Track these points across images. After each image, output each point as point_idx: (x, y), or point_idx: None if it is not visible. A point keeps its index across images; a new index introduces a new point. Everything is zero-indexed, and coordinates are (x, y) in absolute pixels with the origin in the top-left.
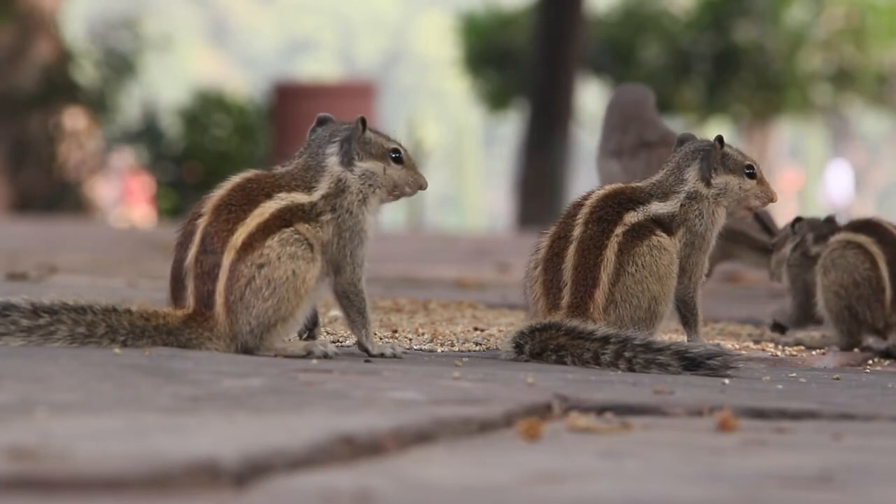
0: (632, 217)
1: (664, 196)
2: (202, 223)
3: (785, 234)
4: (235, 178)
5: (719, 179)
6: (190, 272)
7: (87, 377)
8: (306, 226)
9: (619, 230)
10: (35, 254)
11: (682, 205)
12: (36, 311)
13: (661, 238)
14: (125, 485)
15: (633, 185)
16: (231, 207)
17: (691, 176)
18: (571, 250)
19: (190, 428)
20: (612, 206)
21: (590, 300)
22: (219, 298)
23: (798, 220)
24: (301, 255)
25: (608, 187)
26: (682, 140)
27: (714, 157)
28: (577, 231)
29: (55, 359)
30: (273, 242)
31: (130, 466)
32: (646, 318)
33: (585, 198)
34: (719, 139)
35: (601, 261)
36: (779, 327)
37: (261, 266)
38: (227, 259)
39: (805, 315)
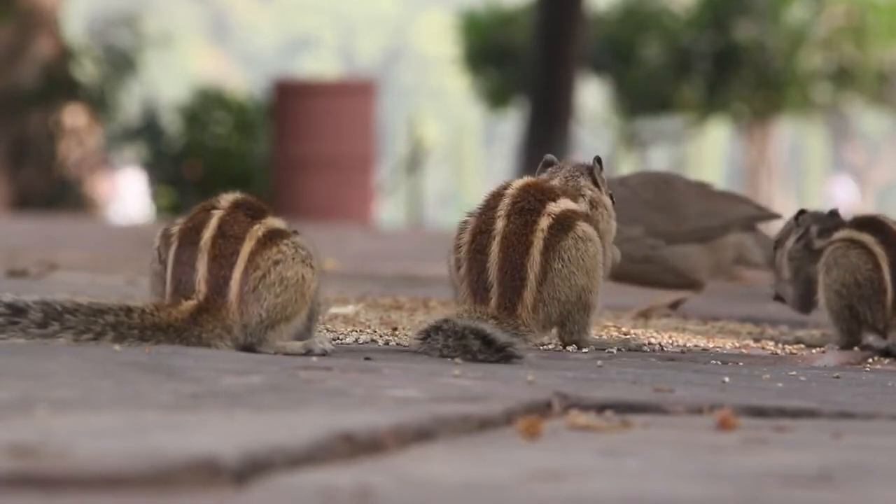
0: (554, 207)
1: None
2: (218, 213)
3: (789, 227)
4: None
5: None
6: (204, 254)
7: (87, 374)
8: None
9: (543, 223)
10: (35, 251)
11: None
12: (46, 317)
13: (586, 228)
14: (125, 482)
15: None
16: (250, 206)
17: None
18: (495, 247)
19: (190, 425)
20: (535, 196)
21: (518, 301)
22: (234, 286)
23: (802, 212)
24: (309, 263)
25: (527, 178)
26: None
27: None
28: (499, 224)
29: (56, 356)
30: (289, 242)
31: (130, 464)
32: (576, 310)
33: (505, 188)
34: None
35: (528, 260)
36: (780, 299)
37: (276, 262)
38: (247, 246)
39: (805, 307)
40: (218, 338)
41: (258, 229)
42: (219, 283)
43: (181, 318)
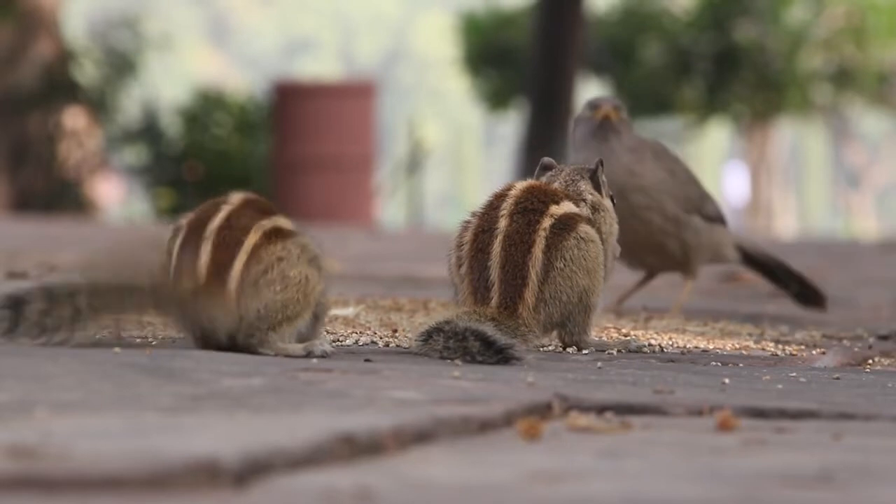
0: (557, 209)
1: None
2: (227, 207)
3: None
4: None
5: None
6: (209, 242)
7: (87, 376)
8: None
9: (546, 223)
10: (35, 253)
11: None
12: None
13: (588, 229)
14: (125, 484)
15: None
16: (259, 204)
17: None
18: (497, 246)
19: (190, 427)
20: (538, 198)
21: (519, 300)
22: (235, 275)
23: None
24: (315, 265)
25: (531, 181)
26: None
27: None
28: (501, 223)
29: (55, 357)
30: (295, 241)
31: (130, 465)
32: (577, 311)
33: (508, 189)
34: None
35: (530, 259)
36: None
37: (280, 259)
38: (252, 238)
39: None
40: (216, 320)
41: (266, 223)
42: (220, 270)
43: (183, 297)
